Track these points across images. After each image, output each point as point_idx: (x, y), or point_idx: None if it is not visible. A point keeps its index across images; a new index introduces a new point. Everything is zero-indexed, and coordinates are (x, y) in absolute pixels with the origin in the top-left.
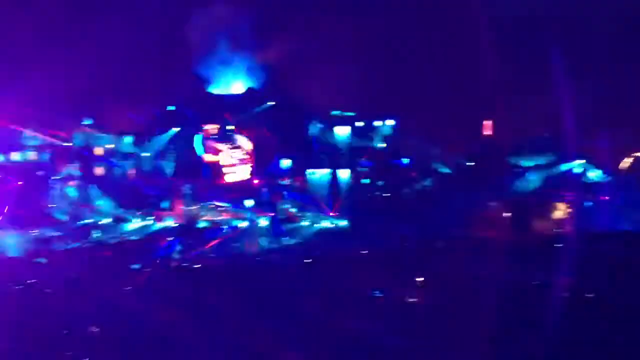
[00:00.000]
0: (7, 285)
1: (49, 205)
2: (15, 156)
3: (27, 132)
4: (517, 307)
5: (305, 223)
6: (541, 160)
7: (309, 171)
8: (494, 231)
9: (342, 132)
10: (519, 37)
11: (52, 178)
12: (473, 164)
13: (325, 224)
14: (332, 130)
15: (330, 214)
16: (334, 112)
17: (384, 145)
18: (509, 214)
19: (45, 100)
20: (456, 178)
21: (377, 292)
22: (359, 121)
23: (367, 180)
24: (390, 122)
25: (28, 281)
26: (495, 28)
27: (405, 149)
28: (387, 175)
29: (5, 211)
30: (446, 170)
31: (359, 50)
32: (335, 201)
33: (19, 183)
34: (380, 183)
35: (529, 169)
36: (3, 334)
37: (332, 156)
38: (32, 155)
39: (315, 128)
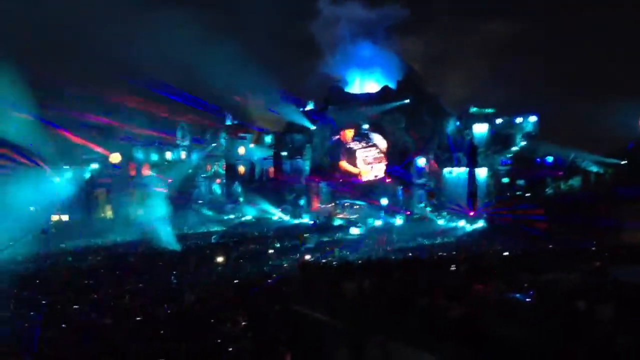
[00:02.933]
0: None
1: (198, 202)
2: (168, 155)
3: (178, 133)
4: None
5: (440, 222)
6: None
7: (445, 170)
8: None
9: (480, 129)
10: None
11: (201, 176)
12: (626, 162)
13: (461, 223)
14: (469, 128)
15: (468, 213)
16: (472, 109)
17: (526, 142)
18: None
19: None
20: (609, 177)
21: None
22: (498, 118)
23: (507, 180)
24: (533, 118)
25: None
26: None
27: (550, 146)
28: (529, 174)
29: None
30: (596, 169)
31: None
32: (473, 201)
33: (169, 181)
34: (521, 182)
35: None
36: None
37: (470, 154)
38: (182, 154)
39: (452, 126)
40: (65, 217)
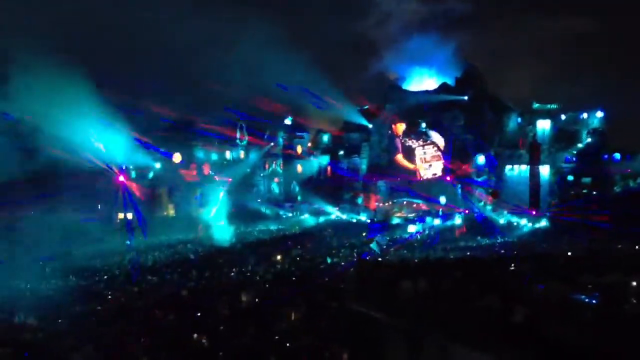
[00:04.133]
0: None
1: (257, 201)
2: (228, 155)
3: (237, 133)
4: None
5: (501, 221)
6: None
7: (506, 167)
8: None
9: (543, 125)
10: None
11: (260, 175)
12: None
13: (523, 222)
14: (532, 124)
15: (530, 212)
16: (535, 105)
17: (592, 138)
18: None
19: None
20: None
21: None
22: (562, 113)
23: (571, 177)
24: (599, 114)
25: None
26: None
27: (618, 143)
28: (595, 171)
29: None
30: None
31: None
32: (536, 199)
33: (229, 180)
34: (586, 180)
35: None
36: None
37: (532, 151)
38: (241, 153)
39: (513, 122)
40: (129, 216)
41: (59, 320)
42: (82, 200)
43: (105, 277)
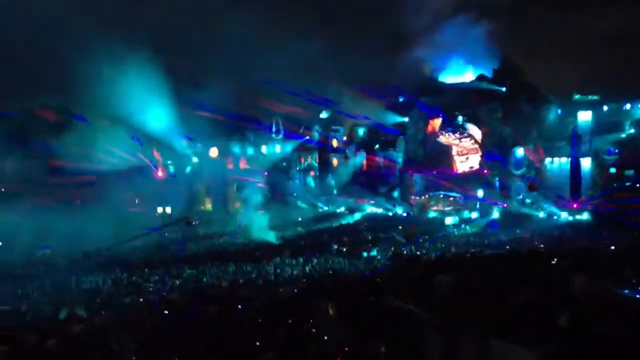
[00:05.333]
0: None
1: (292, 195)
2: (264, 149)
3: (273, 127)
4: None
5: (541, 214)
6: None
7: (546, 160)
8: None
9: (584, 117)
10: None
11: (295, 169)
12: None
13: (564, 215)
14: (573, 116)
15: (571, 205)
16: (576, 96)
17: (635, 130)
18: None
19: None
20: None
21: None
22: (604, 104)
23: (614, 170)
24: None
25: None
26: None
27: None
28: (638, 163)
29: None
30: None
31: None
32: (577, 192)
33: (265, 174)
34: (629, 172)
35: None
36: None
37: (573, 143)
38: (277, 147)
39: (553, 114)
40: (168, 210)
41: (103, 312)
42: (123, 195)
43: (146, 269)
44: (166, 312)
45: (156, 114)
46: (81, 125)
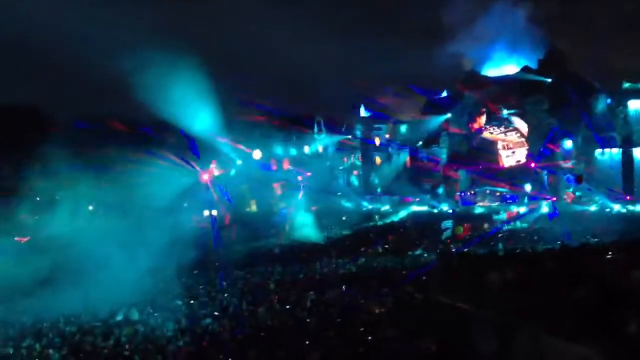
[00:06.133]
0: None
1: (336, 194)
2: (306, 149)
3: (315, 127)
4: None
5: (592, 208)
6: None
7: (596, 152)
8: None
9: (635, 105)
10: None
11: (338, 168)
12: None
13: (617, 208)
14: (623, 105)
15: (624, 197)
16: (625, 85)
17: None
18: None
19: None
20: None
21: None
22: None
23: None
24: None
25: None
26: None
27: None
28: None
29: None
30: None
31: None
32: (630, 184)
33: (308, 174)
34: None
35: None
36: None
37: (625, 134)
38: (319, 148)
39: (602, 104)
40: (214, 213)
41: (155, 314)
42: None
43: (196, 271)
44: (216, 313)
45: (200, 117)
46: (132, 131)
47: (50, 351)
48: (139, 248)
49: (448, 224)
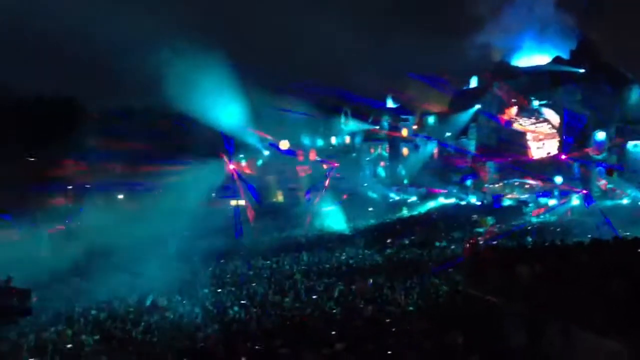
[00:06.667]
0: None
1: (363, 185)
2: (333, 140)
3: (342, 118)
4: None
5: (624, 201)
6: None
7: (629, 144)
8: None
9: None
10: None
11: (365, 159)
12: None
13: None
14: None
15: None
16: None
17: None
18: None
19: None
20: None
21: None
22: None
23: None
24: None
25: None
26: None
27: None
28: None
29: (325, 188)
30: None
31: None
32: None
33: (335, 165)
34: None
35: None
36: None
37: None
38: (346, 139)
39: (636, 94)
40: (242, 203)
41: (184, 302)
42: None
43: (222, 261)
44: (244, 302)
45: (229, 108)
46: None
47: (83, 337)
48: (167, 237)
49: (476, 216)
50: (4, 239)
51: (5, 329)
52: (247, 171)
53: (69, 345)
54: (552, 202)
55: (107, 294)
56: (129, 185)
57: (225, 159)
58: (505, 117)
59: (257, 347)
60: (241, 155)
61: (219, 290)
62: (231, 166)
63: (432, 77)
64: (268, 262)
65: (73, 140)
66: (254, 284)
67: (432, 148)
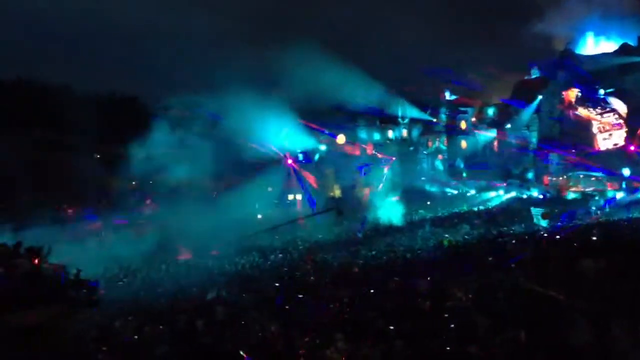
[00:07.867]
0: None
1: (421, 179)
2: (390, 134)
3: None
4: None
5: None
6: None
7: None
8: None
9: None
10: None
11: (423, 153)
12: None
13: None
14: None
15: None
16: None
17: None
18: None
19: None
20: None
21: None
22: None
23: None
24: None
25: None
26: None
27: None
28: None
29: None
30: None
31: None
32: None
33: (392, 159)
34: None
35: None
36: None
37: None
38: (403, 132)
39: None
40: (299, 197)
41: (244, 295)
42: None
43: (281, 255)
44: (300, 295)
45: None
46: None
47: (147, 328)
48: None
49: (538, 210)
50: (79, 233)
51: (72, 321)
52: (304, 165)
53: (134, 337)
54: (619, 195)
55: (173, 286)
56: (192, 180)
57: (282, 154)
58: (569, 107)
59: (317, 340)
60: (298, 150)
61: (277, 284)
62: (289, 160)
63: (493, 67)
64: (327, 256)
65: (137, 137)
66: (312, 278)
67: (492, 140)
